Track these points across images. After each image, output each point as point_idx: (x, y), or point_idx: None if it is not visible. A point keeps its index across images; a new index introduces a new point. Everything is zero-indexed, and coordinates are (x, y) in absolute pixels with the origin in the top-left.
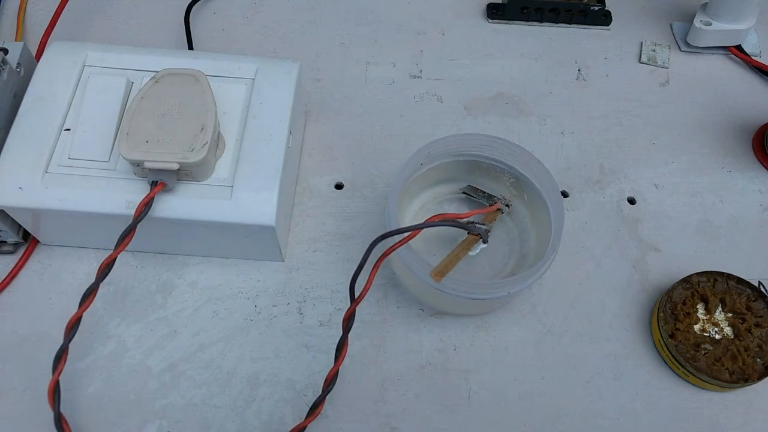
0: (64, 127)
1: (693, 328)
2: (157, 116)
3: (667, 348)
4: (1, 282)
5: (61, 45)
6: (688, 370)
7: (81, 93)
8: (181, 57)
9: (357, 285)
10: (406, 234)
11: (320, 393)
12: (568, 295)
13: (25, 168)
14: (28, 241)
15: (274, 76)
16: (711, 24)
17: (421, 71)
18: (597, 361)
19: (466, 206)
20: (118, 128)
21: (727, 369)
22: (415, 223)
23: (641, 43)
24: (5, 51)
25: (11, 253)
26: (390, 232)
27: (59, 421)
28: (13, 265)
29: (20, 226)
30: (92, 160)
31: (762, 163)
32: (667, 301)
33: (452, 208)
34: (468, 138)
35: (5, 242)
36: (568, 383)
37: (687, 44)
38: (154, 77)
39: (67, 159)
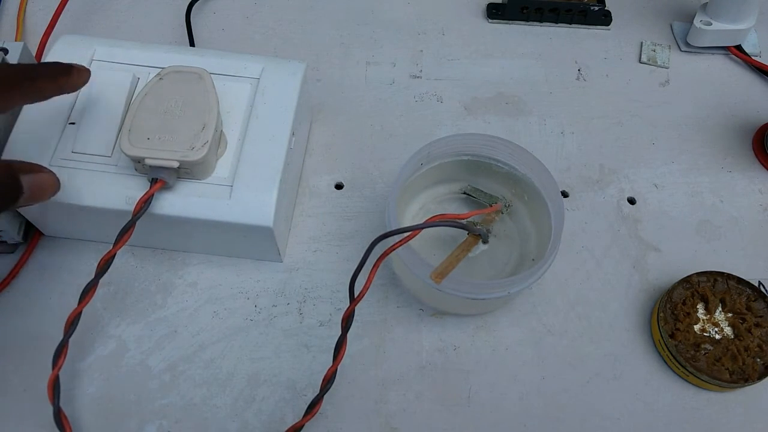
0: (69, 121)
1: (693, 328)
2: (160, 113)
3: (667, 348)
4: (2, 282)
5: (70, 38)
6: (688, 370)
7: (88, 87)
8: (188, 54)
9: (357, 285)
10: (406, 234)
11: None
12: (568, 295)
13: (29, 160)
14: (27, 241)
15: (279, 76)
16: (711, 24)
17: (421, 71)
18: (597, 361)
19: (466, 206)
20: (121, 124)
21: (727, 369)
22: (415, 223)
23: (641, 43)
24: (5, 51)
25: (11, 253)
26: (390, 232)
27: (59, 416)
28: (14, 264)
29: (20, 226)
30: (95, 154)
31: (762, 163)
32: (667, 301)
33: (452, 208)
34: (468, 138)
35: (5, 242)
36: (568, 383)
37: (687, 44)
38: (158, 74)
39: (70, 153)
